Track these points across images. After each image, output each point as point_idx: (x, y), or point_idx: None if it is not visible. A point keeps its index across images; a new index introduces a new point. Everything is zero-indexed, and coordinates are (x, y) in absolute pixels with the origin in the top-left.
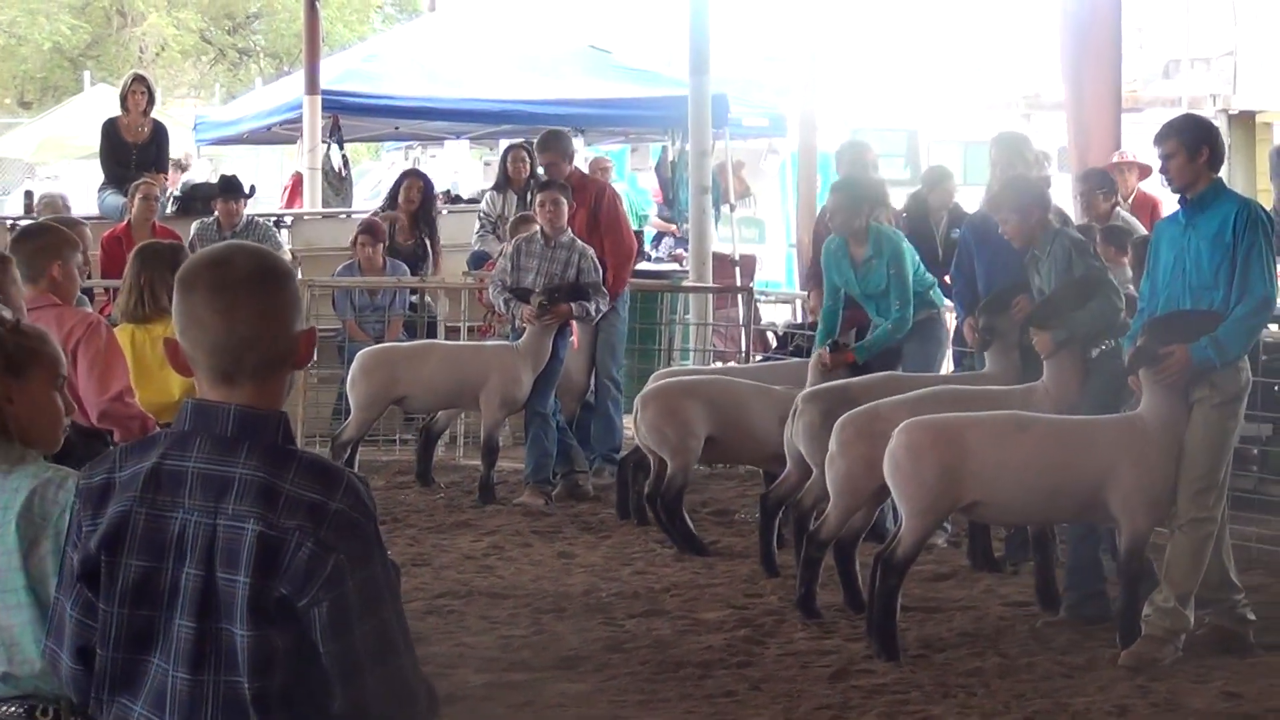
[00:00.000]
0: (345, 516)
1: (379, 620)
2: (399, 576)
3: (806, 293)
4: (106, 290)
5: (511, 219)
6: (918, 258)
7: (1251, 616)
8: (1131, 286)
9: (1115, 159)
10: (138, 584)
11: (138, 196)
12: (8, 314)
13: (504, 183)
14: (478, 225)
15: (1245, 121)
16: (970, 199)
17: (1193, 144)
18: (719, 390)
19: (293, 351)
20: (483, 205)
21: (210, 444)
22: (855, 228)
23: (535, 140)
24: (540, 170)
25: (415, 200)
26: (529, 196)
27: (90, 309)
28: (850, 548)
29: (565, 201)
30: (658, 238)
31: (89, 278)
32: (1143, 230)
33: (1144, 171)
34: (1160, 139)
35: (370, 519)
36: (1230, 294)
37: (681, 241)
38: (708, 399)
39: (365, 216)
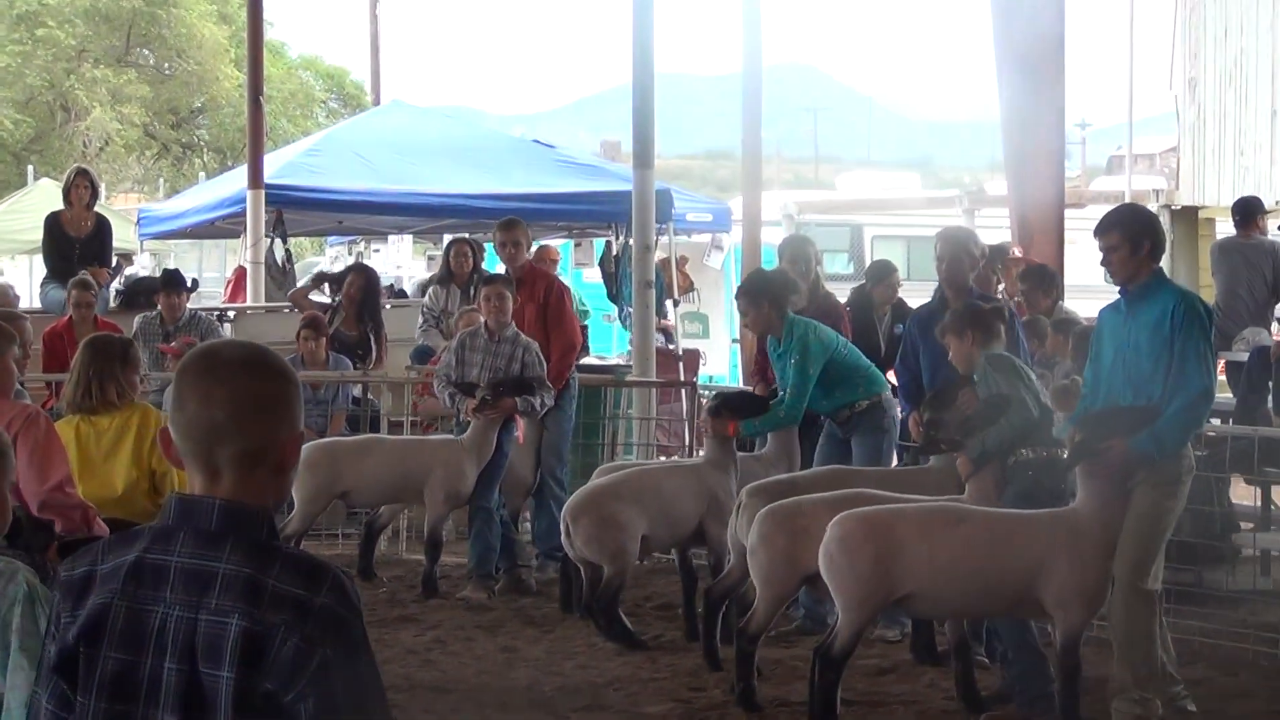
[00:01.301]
0: (331, 612)
1: (365, 717)
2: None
3: (751, 387)
4: (48, 385)
5: (455, 314)
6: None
7: (1191, 708)
8: (1077, 376)
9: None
10: (116, 677)
11: (73, 292)
12: None
13: (447, 277)
14: (421, 320)
15: (1188, 217)
16: (915, 294)
17: (1135, 237)
18: (641, 483)
19: (274, 451)
20: (426, 300)
21: (194, 538)
22: (765, 322)
23: (499, 224)
24: (498, 253)
25: (356, 295)
26: (472, 291)
27: (29, 401)
28: (723, 599)
29: (510, 296)
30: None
31: (27, 371)
32: (1082, 321)
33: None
34: (1102, 231)
35: (356, 616)
36: (1168, 387)
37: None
38: (634, 496)
39: (310, 311)
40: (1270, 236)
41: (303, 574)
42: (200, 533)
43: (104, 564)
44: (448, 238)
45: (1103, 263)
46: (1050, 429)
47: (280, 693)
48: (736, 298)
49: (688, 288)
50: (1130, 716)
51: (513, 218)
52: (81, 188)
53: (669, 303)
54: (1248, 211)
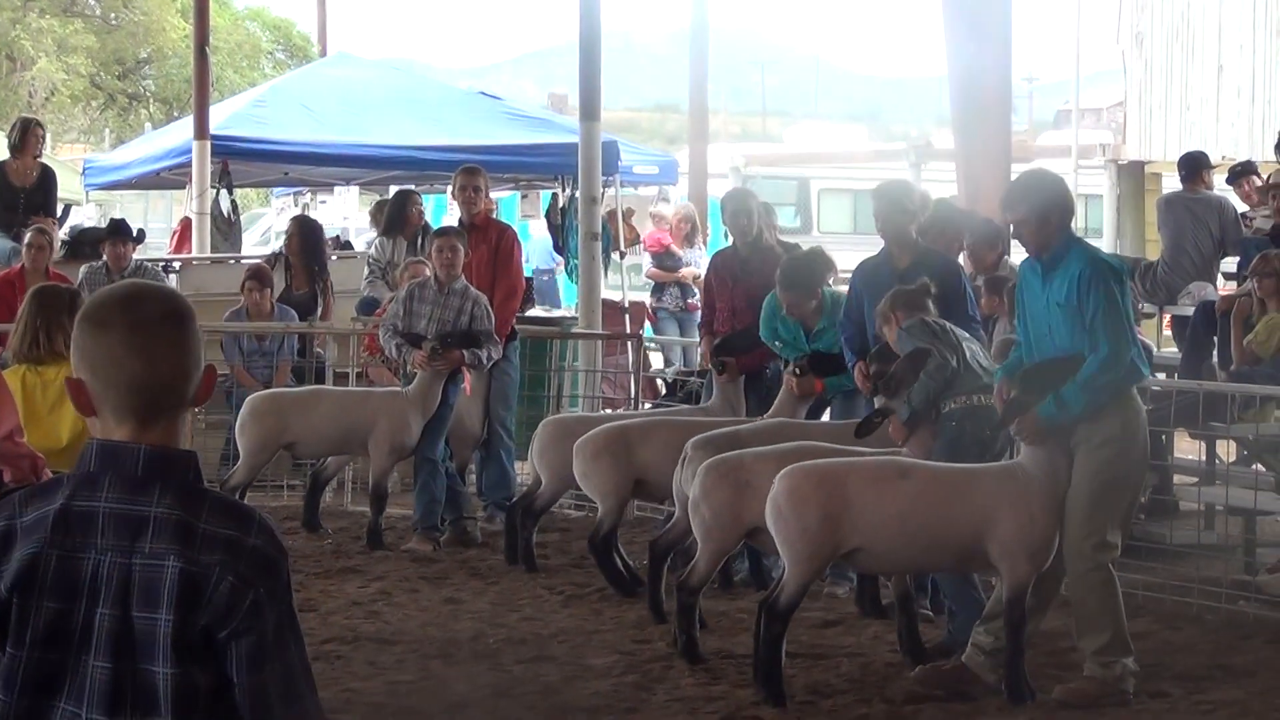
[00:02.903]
0: (261, 553)
1: (287, 661)
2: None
3: (697, 339)
4: None
5: (401, 265)
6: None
7: (1134, 667)
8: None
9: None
10: (49, 626)
11: (27, 244)
12: None
13: (393, 227)
14: (366, 270)
15: (1134, 172)
16: (863, 248)
17: (1043, 212)
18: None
19: (196, 390)
20: (372, 251)
21: (120, 484)
22: (808, 310)
23: (460, 170)
24: (456, 198)
25: (295, 245)
26: (419, 242)
27: None
28: (663, 556)
29: (462, 249)
30: (659, 288)
31: None
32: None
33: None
34: (1009, 207)
35: (284, 558)
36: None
37: (689, 290)
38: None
39: (254, 262)
40: (1216, 191)
41: (232, 516)
42: (127, 478)
43: (25, 516)
44: (394, 189)
45: (1014, 236)
46: (974, 379)
47: (215, 629)
48: (784, 290)
49: (634, 240)
50: (1097, 680)
51: (474, 165)
52: (37, 136)
53: (615, 255)
54: (1194, 166)
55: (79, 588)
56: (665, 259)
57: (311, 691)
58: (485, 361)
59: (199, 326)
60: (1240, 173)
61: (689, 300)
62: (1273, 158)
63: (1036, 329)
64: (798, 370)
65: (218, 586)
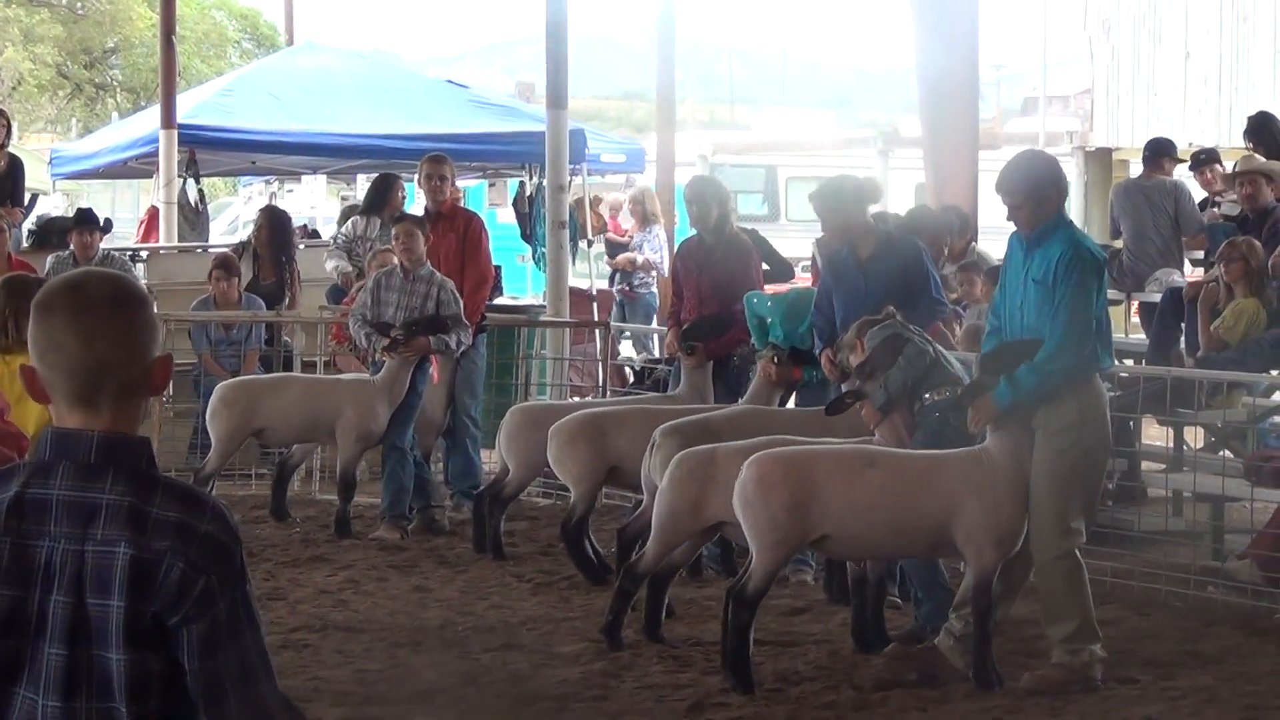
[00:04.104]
0: (213, 539)
1: (241, 647)
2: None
3: (665, 328)
4: None
5: (372, 238)
6: None
7: (1102, 654)
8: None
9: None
10: (6, 613)
11: None
12: None
13: (372, 207)
14: (331, 244)
15: (1102, 158)
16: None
17: (1040, 195)
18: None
19: (149, 377)
20: (344, 228)
21: (73, 471)
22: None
23: (426, 158)
24: (422, 187)
25: (264, 236)
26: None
27: None
28: (665, 581)
29: (420, 234)
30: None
31: None
32: (993, 262)
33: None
34: (1006, 189)
35: (237, 544)
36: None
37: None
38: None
39: (221, 251)
40: (1173, 177)
41: (184, 502)
42: (80, 465)
43: None
44: (361, 178)
45: (1009, 217)
46: (947, 372)
47: (166, 615)
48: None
49: (601, 228)
50: (1064, 666)
51: (439, 153)
52: None
53: (583, 243)
54: (1158, 151)
55: (33, 575)
56: (614, 247)
57: (268, 677)
58: (455, 347)
59: (158, 314)
60: (1203, 160)
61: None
62: (1240, 143)
63: (1010, 303)
64: (776, 359)
65: (168, 573)
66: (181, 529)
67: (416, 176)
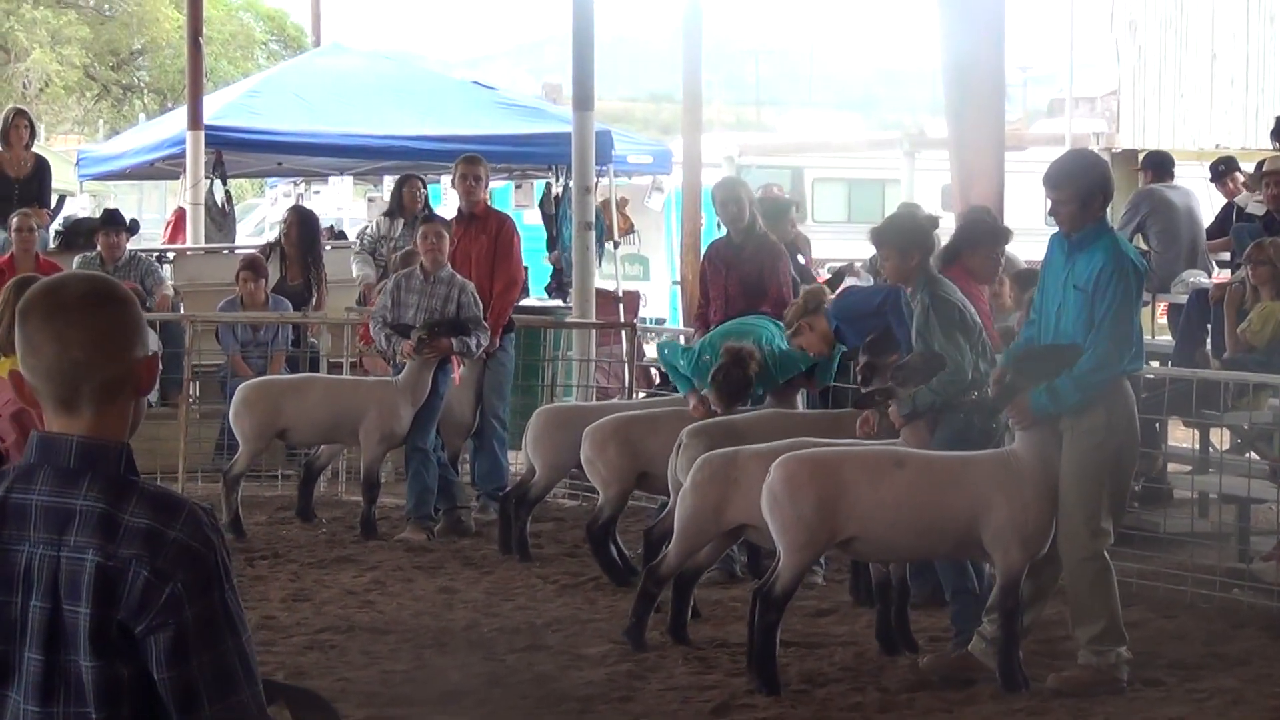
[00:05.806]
0: (183, 546)
1: (217, 653)
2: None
3: (692, 329)
4: None
5: (398, 247)
6: None
7: (1128, 655)
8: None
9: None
10: None
11: (13, 229)
12: None
13: (396, 211)
14: (357, 244)
15: (1128, 160)
16: (856, 236)
17: (1088, 195)
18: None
19: (132, 378)
20: (369, 229)
21: (53, 476)
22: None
23: (461, 159)
24: (456, 187)
25: (293, 236)
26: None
27: None
28: (690, 583)
29: (447, 236)
30: None
31: None
32: (1021, 264)
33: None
34: (1053, 185)
35: (211, 550)
36: (1087, 344)
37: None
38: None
39: (249, 252)
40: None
41: (157, 508)
42: (59, 470)
43: None
44: (388, 179)
45: (1051, 212)
46: (982, 379)
47: (131, 624)
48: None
49: (628, 230)
50: (1091, 668)
51: (474, 154)
52: (20, 128)
53: (609, 244)
54: (1162, 164)
55: (15, 580)
56: None
57: (250, 683)
58: (474, 349)
59: (183, 318)
60: (1223, 171)
61: None
62: (1266, 145)
63: (1048, 305)
64: (712, 400)
65: (133, 581)
66: (150, 536)
67: (450, 177)
